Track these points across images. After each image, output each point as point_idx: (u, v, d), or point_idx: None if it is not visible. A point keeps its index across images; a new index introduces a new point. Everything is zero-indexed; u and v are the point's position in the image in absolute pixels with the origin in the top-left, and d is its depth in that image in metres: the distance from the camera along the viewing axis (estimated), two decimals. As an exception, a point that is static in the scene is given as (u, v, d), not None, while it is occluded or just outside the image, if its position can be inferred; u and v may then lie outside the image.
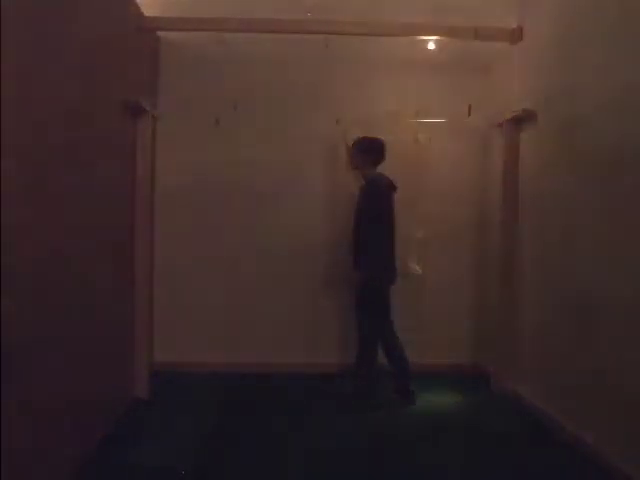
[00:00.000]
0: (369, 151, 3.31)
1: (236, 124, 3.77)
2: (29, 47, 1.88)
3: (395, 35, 3.54)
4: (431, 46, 3.51)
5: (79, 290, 2.40)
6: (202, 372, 3.70)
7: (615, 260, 2.47)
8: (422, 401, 3.38)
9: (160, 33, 3.70)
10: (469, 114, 3.73)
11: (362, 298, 3.32)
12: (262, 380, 3.65)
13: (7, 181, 1.72)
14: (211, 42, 3.54)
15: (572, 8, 2.89)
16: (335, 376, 3.67)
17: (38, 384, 2.00)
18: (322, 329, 3.91)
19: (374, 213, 3.20)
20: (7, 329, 1.73)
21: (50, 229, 2.09)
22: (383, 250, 3.24)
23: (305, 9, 3.55)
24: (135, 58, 3.24)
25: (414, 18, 3.54)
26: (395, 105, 3.90)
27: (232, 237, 3.84)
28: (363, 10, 3.71)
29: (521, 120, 3.33)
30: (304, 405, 3.28)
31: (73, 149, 2.30)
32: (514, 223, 3.42)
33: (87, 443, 2.52)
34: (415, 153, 3.85)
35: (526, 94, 3.34)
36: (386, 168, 3.78)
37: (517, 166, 3.41)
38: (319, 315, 3.90)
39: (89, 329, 2.54)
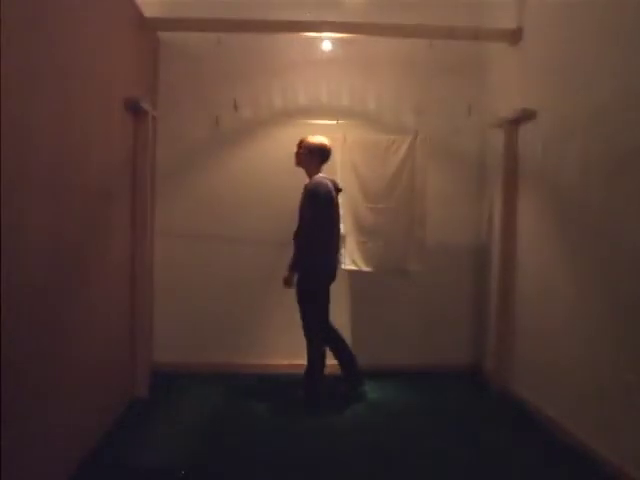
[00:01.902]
0: (316, 153, 3.33)
1: (236, 124, 3.78)
2: (29, 47, 1.89)
3: (395, 35, 3.55)
4: (431, 46, 3.50)
5: (79, 290, 2.40)
6: (202, 372, 3.70)
7: (616, 260, 2.47)
8: (422, 401, 3.39)
9: (160, 33, 3.70)
10: (469, 114, 3.73)
11: (301, 298, 3.32)
12: (262, 380, 3.66)
13: (7, 181, 1.72)
14: (210, 42, 3.54)
15: (572, 8, 2.89)
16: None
17: (38, 384, 2.01)
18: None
19: (315, 216, 3.21)
20: (7, 329, 1.73)
21: (50, 229, 2.09)
22: (321, 252, 3.27)
23: (305, 9, 3.56)
24: (135, 58, 3.24)
25: (414, 19, 3.54)
26: (395, 105, 3.90)
27: (233, 237, 3.84)
28: (363, 11, 3.72)
29: (521, 120, 3.33)
30: (305, 405, 3.28)
31: (73, 149, 2.31)
32: (514, 223, 3.42)
33: (87, 443, 2.53)
34: (414, 152, 3.84)
35: (526, 94, 3.34)
36: (386, 167, 3.79)
37: (517, 166, 3.41)
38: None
39: (89, 329, 2.55)
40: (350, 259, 3.80)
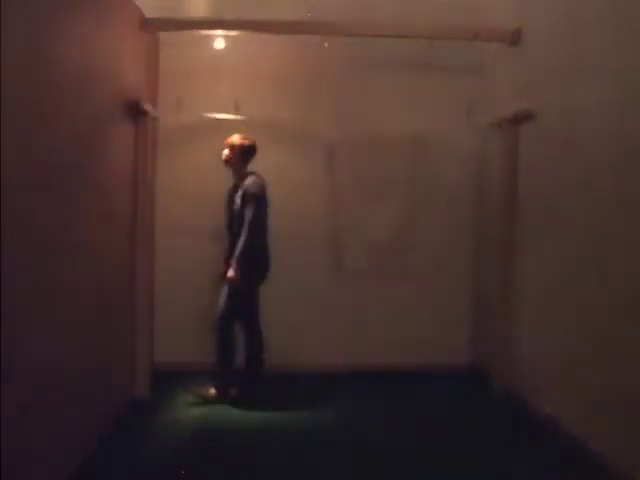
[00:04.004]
0: (248, 153, 3.39)
1: (236, 124, 3.77)
2: (29, 48, 1.89)
3: (395, 36, 3.55)
4: (431, 46, 3.50)
5: (79, 289, 2.40)
6: (202, 372, 3.69)
7: (616, 260, 2.47)
8: (422, 401, 3.39)
9: (160, 33, 3.70)
10: (468, 114, 3.73)
11: (233, 297, 3.33)
12: (263, 379, 3.65)
13: (8, 181, 1.72)
14: (211, 43, 3.55)
15: (571, 9, 2.89)
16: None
17: (38, 384, 2.01)
18: (323, 328, 3.91)
19: (255, 215, 3.25)
20: (7, 329, 1.73)
21: (50, 229, 2.09)
22: (257, 251, 3.32)
23: (305, 9, 3.57)
24: (135, 59, 3.24)
25: (414, 19, 3.54)
26: (394, 105, 3.90)
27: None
28: (362, 10, 3.72)
29: (520, 120, 3.33)
30: (304, 403, 3.28)
31: (73, 150, 2.31)
32: (513, 223, 3.43)
33: (87, 443, 2.53)
34: (414, 152, 3.85)
35: (525, 94, 3.34)
36: (386, 167, 3.79)
37: (516, 166, 3.41)
38: (319, 314, 3.90)
39: (89, 329, 2.55)
40: (350, 259, 3.80)
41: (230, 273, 3.24)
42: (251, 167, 3.44)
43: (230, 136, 3.39)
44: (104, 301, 2.78)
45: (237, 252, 3.23)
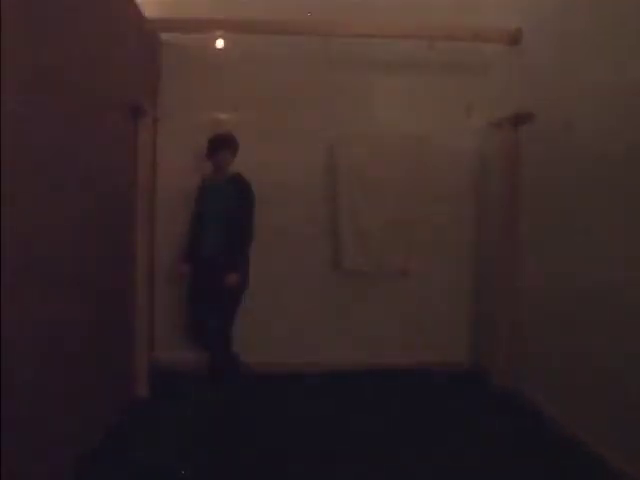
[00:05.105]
0: (236, 151, 3.39)
1: (236, 125, 3.78)
2: (29, 48, 1.89)
3: (395, 36, 3.55)
4: (431, 47, 3.51)
5: (79, 289, 2.41)
6: (203, 371, 3.70)
7: (616, 260, 2.48)
8: (421, 401, 3.39)
9: (161, 34, 3.70)
10: (468, 115, 3.73)
11: (227, 298, 3.32)
12: (262, 380, 3.66)
13: (7, 182, 1.73)
14: (212, 43, 3.56)
15: (571, 9, 2.90)
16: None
17: (38, 383, 2.01)
18: (321, 328, 3.92)
19: (249, 214, 3.27)
20: (7, 329, 1.74)
21: (50, 229, 2.10)
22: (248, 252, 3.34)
23: (305, 9, 3.57)
24: (136, 59, 3.24)
25: (414, 19, 3.55)
26: (394, 105, 3.91)
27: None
28: (363, 11, 3.72)
29: (520, 121, 3.33)
30: (305, 404, 3.28)
31: (73, 150, 2.31)
32: (514, 223, 3.43)
33: (87, 443, 2.53)
34: (414, 152, 3.85)
35: (525, 95, 3.34)
36: (386, 166, 3.79)
37: (516, 166, 3.41)
38: (317, 314, 3.91)
39: (89, 328, 2.55)
40: (349, 259, 3.81)
41: (232, 278, 3.17)
42: (248, 167, 3.47)
43: (217, 133, 3.37)
44: (103, 300, 2.78)
45: (236, 253, 3.21)
